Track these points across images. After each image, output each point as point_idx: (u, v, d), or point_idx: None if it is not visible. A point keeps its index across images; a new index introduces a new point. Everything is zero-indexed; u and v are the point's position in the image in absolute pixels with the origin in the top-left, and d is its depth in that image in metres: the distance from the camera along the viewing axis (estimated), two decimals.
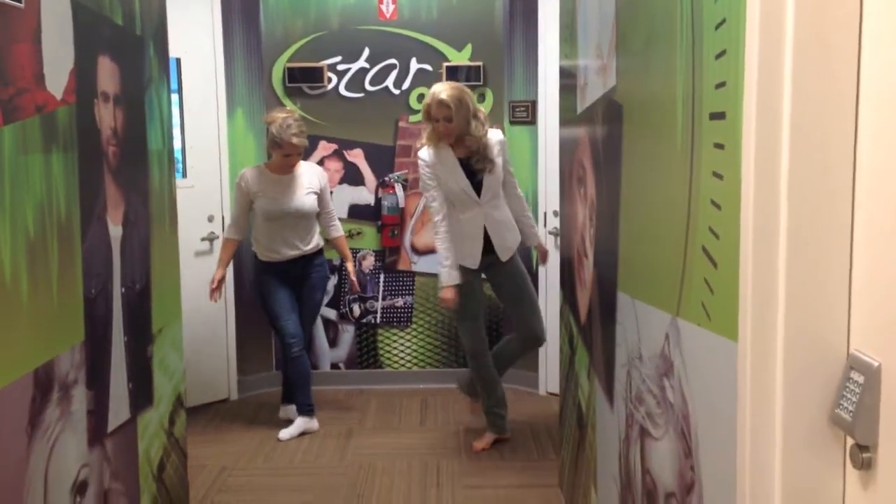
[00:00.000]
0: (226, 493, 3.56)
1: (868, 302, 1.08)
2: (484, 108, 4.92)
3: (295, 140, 3.98)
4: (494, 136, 3.84)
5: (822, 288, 1.12)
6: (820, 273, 1.11)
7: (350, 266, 4.38)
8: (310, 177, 4.19)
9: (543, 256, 4.20)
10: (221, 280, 4.12)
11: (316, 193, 4.19)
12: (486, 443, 4.05)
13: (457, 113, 3.66)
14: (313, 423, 4.31)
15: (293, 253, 4.16)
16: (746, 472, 1.19)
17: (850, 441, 1.09)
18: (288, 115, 4.03)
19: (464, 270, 3.82)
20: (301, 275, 4.23)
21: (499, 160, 3.80)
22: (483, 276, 3.95)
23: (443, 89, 3.70)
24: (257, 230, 4.18)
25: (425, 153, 3.79)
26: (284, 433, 4.21)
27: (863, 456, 1.05)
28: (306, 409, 4.29)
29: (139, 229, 2.55)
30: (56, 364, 1.90)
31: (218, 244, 4.73)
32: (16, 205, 1.70)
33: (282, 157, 4.05)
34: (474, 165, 3.75)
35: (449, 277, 3.73)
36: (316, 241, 4.26)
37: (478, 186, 3.77)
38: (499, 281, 3.98)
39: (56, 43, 1.91)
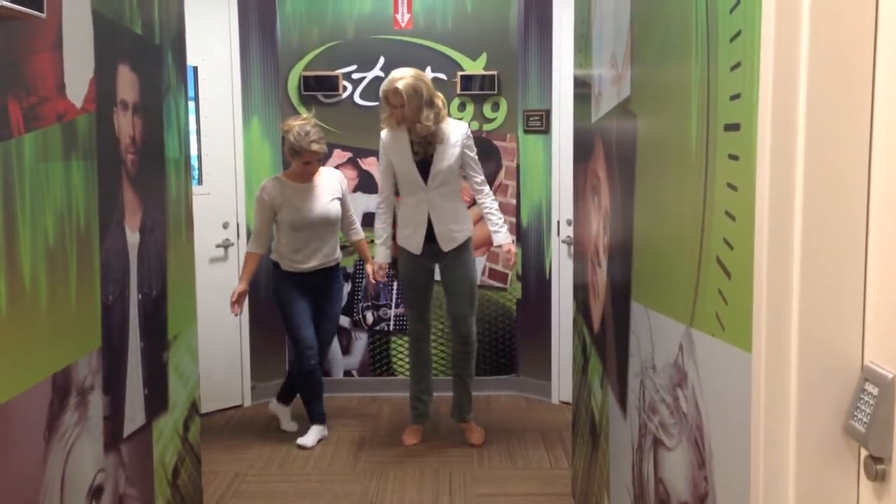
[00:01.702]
0: (239, 500, 3.57)
1: (883, 313, 1.08)
2: (499, 113, 4.95)
3: (315, 147, 3.92)
4: (458, 127, 3.93)
5: (837, 299, 1.12)
6: (834, 284, 1.12)
7: (369, 268, 4.33)
8: (331, 182, 4.16)
9: (505, 261, 4.04)
10: (242, 294, 4.07)
11: (339, 199, 4.17)
12: (417, 438, 4.21)
13: (409, 102, 3.76)
14: (325, 430, 4.35)
15: (318, 263, 4.13)
16: (760, 482, 1.19)
17: (864, 452, 1.09)
18: (305, 122, 3.96)
19: (409, 255, 4.03)
20: (321, 287, 4.21)
21: (454, 150, 3.88)
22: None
23: (400, 77, 3.79)
24: (280, 241, 4.15)
25: (383, 133, 3.98)
26: (307, 441, 4.21)
27: (877, 468, 1.05)
28: (321, 418, 4.32)
29: (156, 236, 2.58)
30: (74, 369, 1.92)
31: (233, 251, 4.76)
32: (36, 212, 1.73)
33: (302, 165, 3.99)
34: (415, 149, 3.87)
35: (378, 255, 4.09)
36: (338, 252, 4.27)
37: (425, 172, 3.87)
38: (442, 271, 4.08)
39: (77, 52, 1.94)
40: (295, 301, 4.14)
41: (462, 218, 4.01)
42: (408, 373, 5.11)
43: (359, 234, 4.40)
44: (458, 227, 3.98)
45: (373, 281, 4.29)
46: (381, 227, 4.07)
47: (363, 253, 4.42)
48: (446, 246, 3.96)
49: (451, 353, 4.25)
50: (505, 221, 4.01)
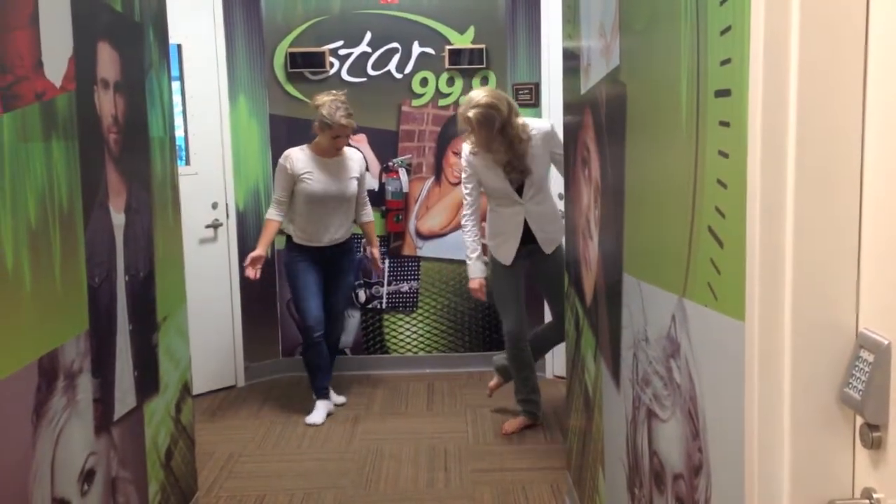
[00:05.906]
0: (234, 480, 3.57)
1: (877, 279, 1.06)
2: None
3: (344, 121, 4.00)
4: (541, 130, 3.80)
5: (831, 266, 1.10)
6: (828, 251, 1.10)
7: (375, 251, 4.47)
8: (353, 162, 4.25)
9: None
10: (257, 259, 4.07)
11: (357, 179, 4.25)
12: (518, 426, 4.07)
13: (478, 130, 3.64)
14: (331, 405, 4.41)
15: (329, 238, 4.19)
16: (755, 452, 1.18)
17: (859, 420, 1.08)
18: (335, 98, 4.03)
19: (500, 265, 3.92)
20: (332, 260, 4.27)
21: (543, 159, 3.81)
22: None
23: (475, 104, 3.62)
24: (295, 212, 4.18)
25: (466, 147, 3.85)
26: (315, 419, 4.24)
27: (873, 435, 1.04)
28: (326, 393, 4.37)
29: (142, 217, 2.55)
30: (61, 353, 1.90)
31: (222, 231, 4.73)
32: (16, 194, 1.69)
33: (331, 138, 4.06)
34: (507, 174, 3.77)
35: (473, 270, 3.91)
36: (350, 229, 4.32)
37: (519, 186, 3.81)
38: (539, 267, 4.00)
39: (54, 30, 1.90)
40: (304, 275, 4.20)
41: (557, 217, 3.94)
42: (401, 351, 5.13)
43: (369, 216, 4.47)
44: (555, 226, 3.91)
45: (378, 267, 4.55)
46: (472, 240, 3.92)
47: (370, 235, 4.49)
48: (548, 248, 3.91)
49: (544, 333, 4.18)
50: None
